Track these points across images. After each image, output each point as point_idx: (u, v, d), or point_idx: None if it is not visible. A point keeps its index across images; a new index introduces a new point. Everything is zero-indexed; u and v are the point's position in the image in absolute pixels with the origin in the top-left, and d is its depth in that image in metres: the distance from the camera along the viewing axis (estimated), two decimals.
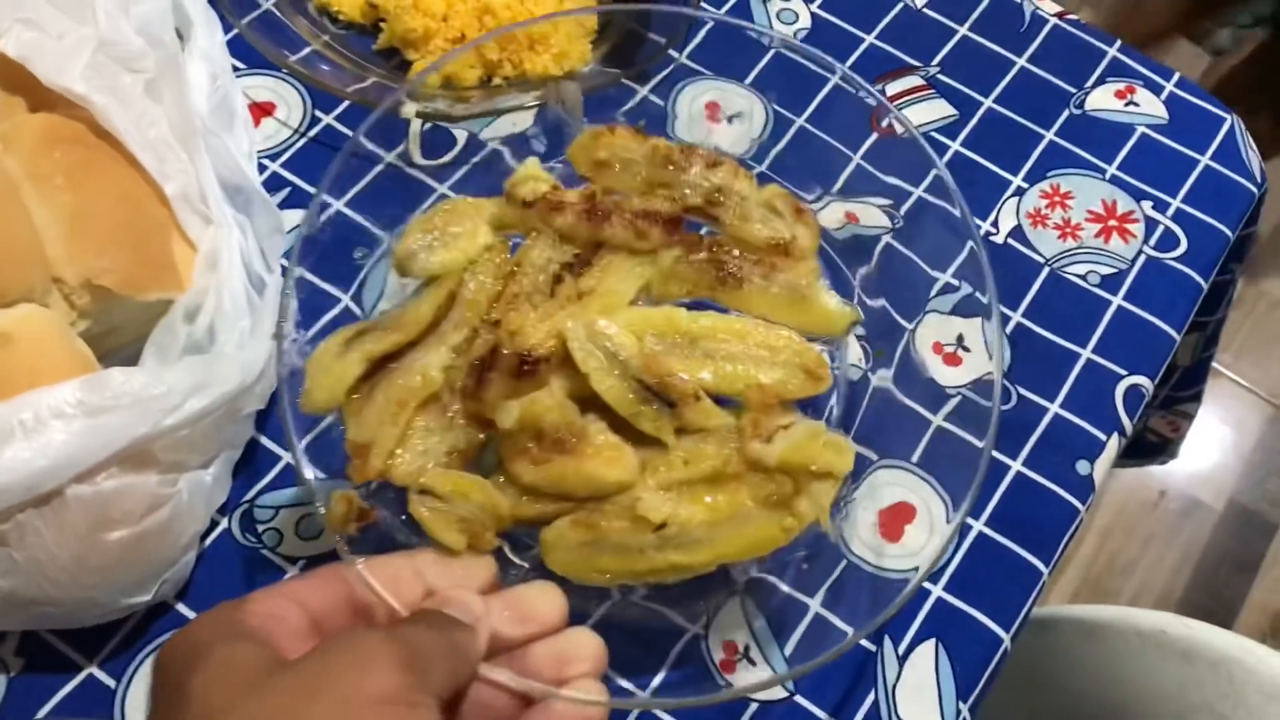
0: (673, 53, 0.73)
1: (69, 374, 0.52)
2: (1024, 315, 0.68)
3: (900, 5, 0.79)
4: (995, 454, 0.63)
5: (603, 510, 0.50)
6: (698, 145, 0.57)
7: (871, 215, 0.66)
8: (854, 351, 0.61)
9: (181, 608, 0.56)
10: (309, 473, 0.49)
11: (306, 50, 0.70)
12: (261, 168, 0.68)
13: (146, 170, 0.59)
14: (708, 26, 0.75)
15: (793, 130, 0.70)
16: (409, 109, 0.62)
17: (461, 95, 0.71)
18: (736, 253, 0.55)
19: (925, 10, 0.79)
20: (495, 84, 0.71)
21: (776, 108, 0.71)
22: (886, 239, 0.65)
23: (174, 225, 0.59)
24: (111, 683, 0.54)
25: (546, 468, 0.50)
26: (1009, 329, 0.67)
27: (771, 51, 0.73)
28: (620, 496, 0.50)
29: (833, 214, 0.65)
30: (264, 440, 0.60)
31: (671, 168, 0.56)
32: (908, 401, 0.60)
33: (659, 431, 0.51)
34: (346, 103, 0.70)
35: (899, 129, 0.63)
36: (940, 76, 0.76)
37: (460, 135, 0.68)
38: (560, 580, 0.49)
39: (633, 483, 0.50)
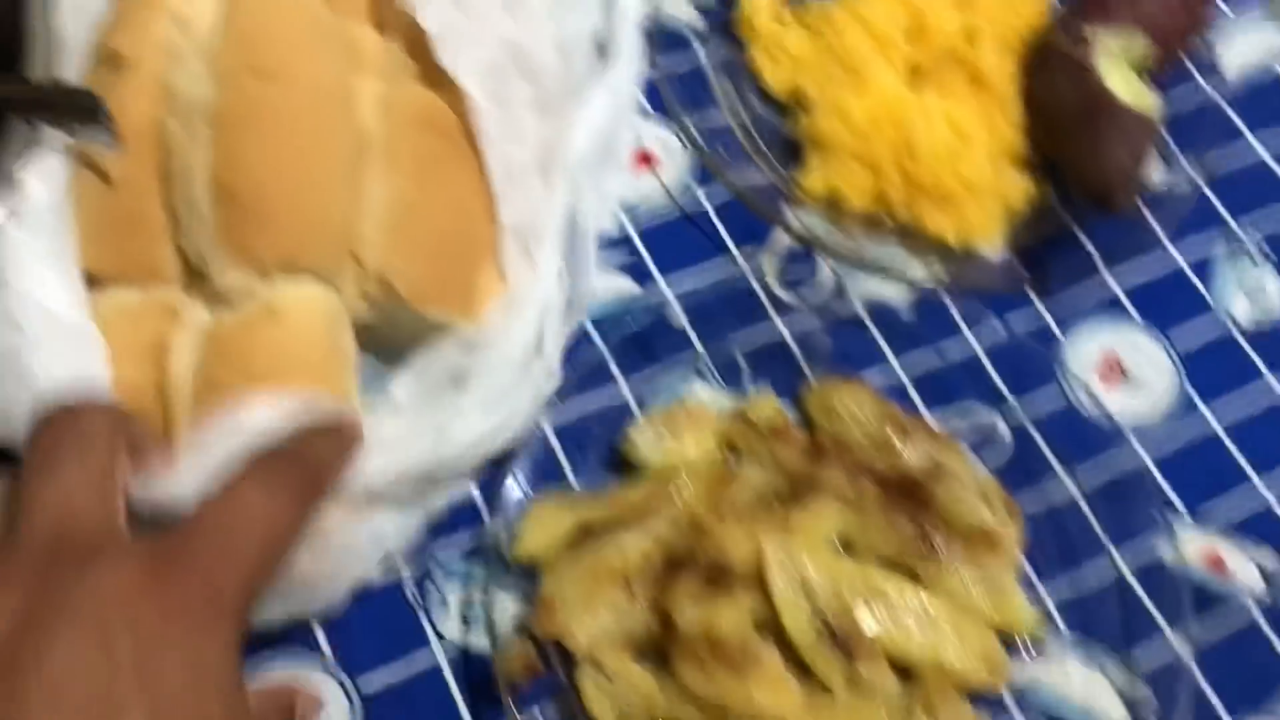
0: (1109, 278, 0.62)
1: (323, 370, 0.50)
2: None
3: None
4: None
5: None
6: (921, 419, 0.58)
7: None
8: None
9: (320, 636, 0.53)
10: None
11: (717, 116, 0.64)
12: None
13: (492, 188, 0.55)
14: (1157, 266, 0.63)
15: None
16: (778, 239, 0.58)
17: (840, 217, 0.63)
18: (940, 529, 0.54)
19: None
20: (882, 223, 0.63)
21: (1192, 391, 0.59)
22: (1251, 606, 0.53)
23: (493, 252, 0.55)
24: None
25: (713, 680, 0.49)
26: None
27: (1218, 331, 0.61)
28: None
29: (1193, 545, 0.55)
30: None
31: (896, 434, 0.56)
32: None
33: (829, 676, 0.50)
34: (727, 187, 0.64)
35: None
36: None
37: (827, 282, 0.61)
38: None
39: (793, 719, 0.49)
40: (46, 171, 0.49)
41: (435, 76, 0.55)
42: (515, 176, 0.55)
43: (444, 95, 0.55)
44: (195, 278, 0.51)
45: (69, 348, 0.47)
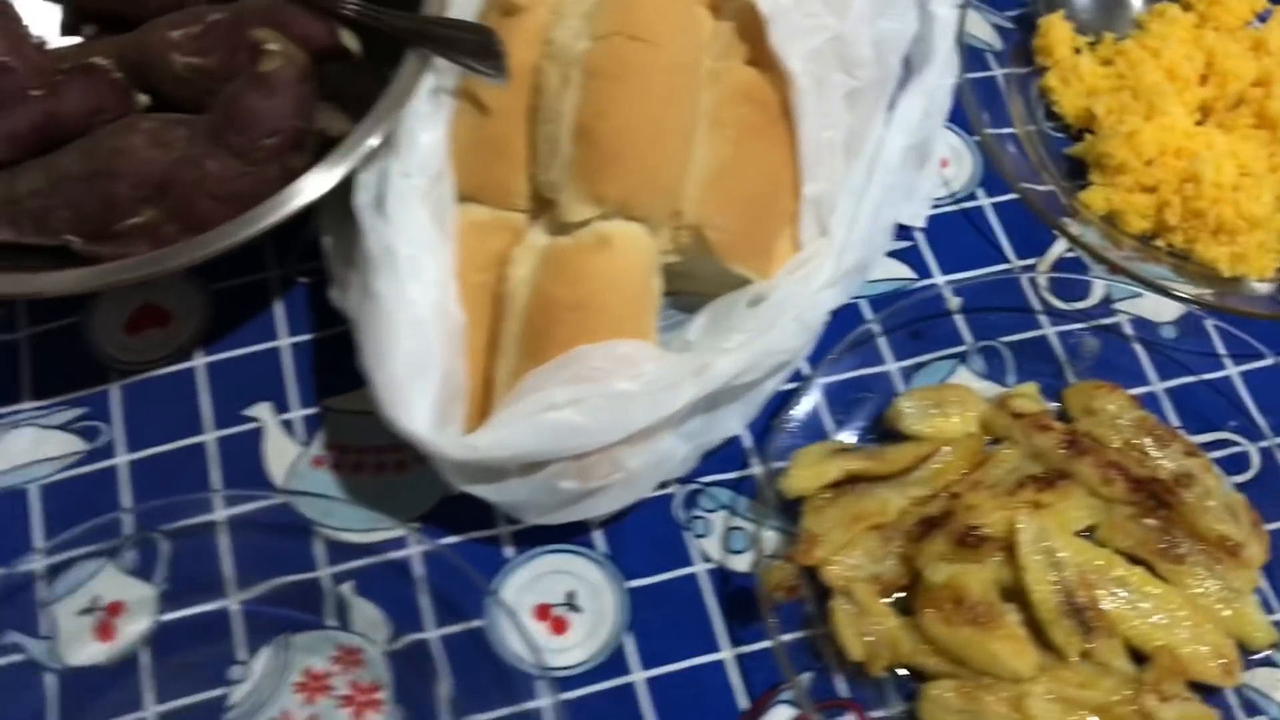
0: None
1: (632, 296, 0.57)
2: None
3: None
4: None
5: (990, 690, 0.53)
6: (1175, 430, 0.61)
7: None
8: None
9: (598, 535, 0.59)
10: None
11: (1008, 129, 0.69)
12: None
13: (801, 162, 0.61)
14: None
15: None
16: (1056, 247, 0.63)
17: (1116, 234, 0.67)
18: (1184, 533, 0.57)
19: None
20: (1155, 245, 0.66)
21: None
22: None
23: (792, 220, 0.61)
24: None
25: (957, 630, 0.54)
26: None
27: None
28: (1010, 685, 0.53)
29: None
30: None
31: (1150, 441, 0.60)
32: None
33: (1067, 645, 0.54)
34: (1010, 195, 0.68)
35: None
36: None
37: (1098, 288, 0.64)
38: None
39: (1028, 678, 0.53)
40: (433, 104, 0.57)
41: (760, 57, 0.62)
42: (822, 155, 0.61)
43: (765, 75, 0.62)
44: (539, 205, 0.58)
45: (428, 267, 0.55)
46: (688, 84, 0.57)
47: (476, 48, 0.55)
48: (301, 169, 0.57)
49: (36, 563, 0.55)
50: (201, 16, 0.62)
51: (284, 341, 0.63)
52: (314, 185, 0.54)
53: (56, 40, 0.67)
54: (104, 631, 0.55)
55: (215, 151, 0.57)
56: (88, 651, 0.54)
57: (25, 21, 0.64)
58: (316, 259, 0.62)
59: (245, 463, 0.60)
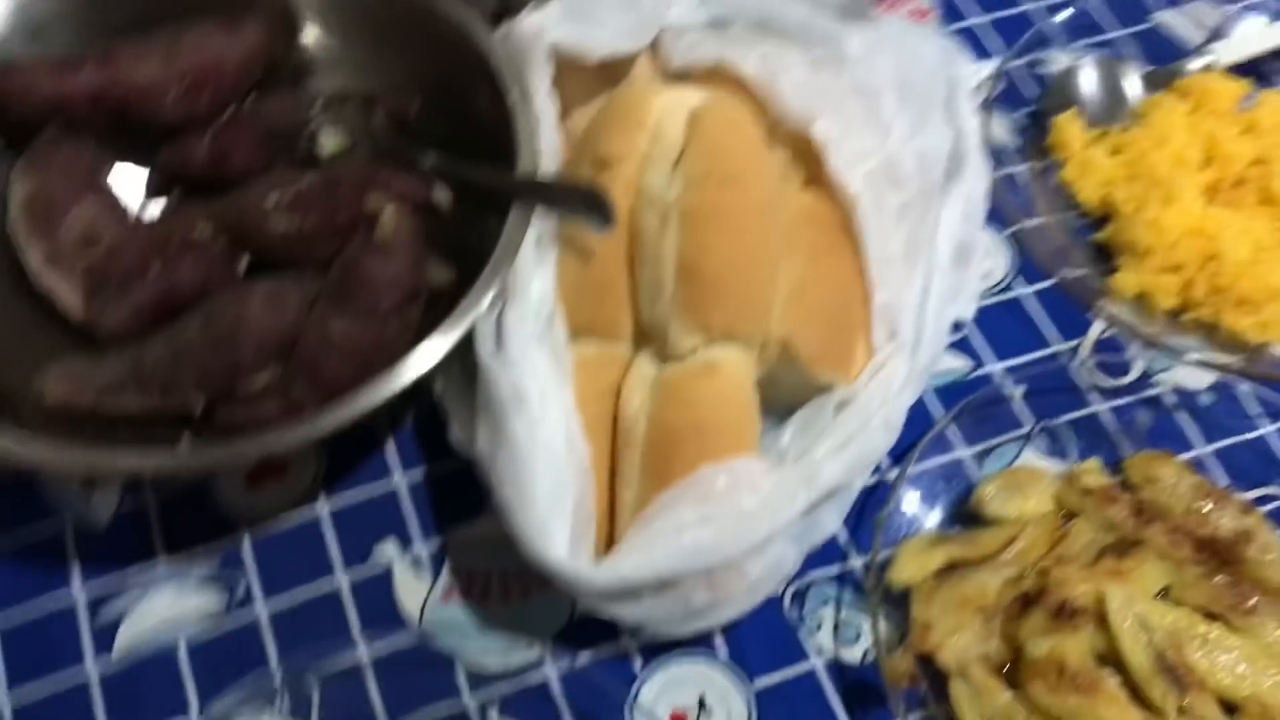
0: None
1: (742, 415, 0.61)
2: None
3: None
4: None
5: None
6: (1226, 490, 0.66)
7: None
8: None
9: (719, 641, 0.63)
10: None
11: (1036, 221, 0.75)
12: None
13: (868, 273, 0.66)
14: None
15: None
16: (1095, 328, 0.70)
17: (1148, 311, 0.73)
18: (1251, 586, 0.62)
19: None
20: (1185, 319, 0.73)
21: None
22: None
23: (865, 326, 0.66)
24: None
25: (1064, 699, 0.58)
26: None
27: None
28: None
29: None
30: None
31: (1209, 502, 0.65)
32: None
33: (1164, 703, 0.58)
34: (1047, 282, 0.74)
35: None
36: None
37: (1138, 363, 0.70)
38: None
39: None
40: (538, 252, 0.62)
41: (819, 175, 0.67)
42: (886, 266, 0.66)
43: (822, 196, 0.67)
44: (642, 338, 0.63)
45: (554, 404, 0.59)
46: (773, 216, 0.63)
47: (585, 201, 0.59)
48: (416, 319, 0.62)
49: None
50: (294, 181, 0.66)
51: (399, 479, 0.67)
52: (440, 344, 0.58)
53: (141, 201, 0.70)
54: None
55: (339, 313, 0.60)
56: None
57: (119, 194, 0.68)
58: (417, 397, 0.66)
59: (379, 601, 0.63)
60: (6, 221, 0.65)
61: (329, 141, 0.68)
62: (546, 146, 0.65)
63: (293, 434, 0.57)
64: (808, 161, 0.68)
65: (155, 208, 0.70)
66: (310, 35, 0.72)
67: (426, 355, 0.58)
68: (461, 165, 0.66)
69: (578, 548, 0.58)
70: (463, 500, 0.65)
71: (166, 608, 0.62)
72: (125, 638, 0.62)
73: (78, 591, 0.63)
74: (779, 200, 0.64)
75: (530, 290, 0.61)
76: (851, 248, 0.66)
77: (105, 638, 0.62)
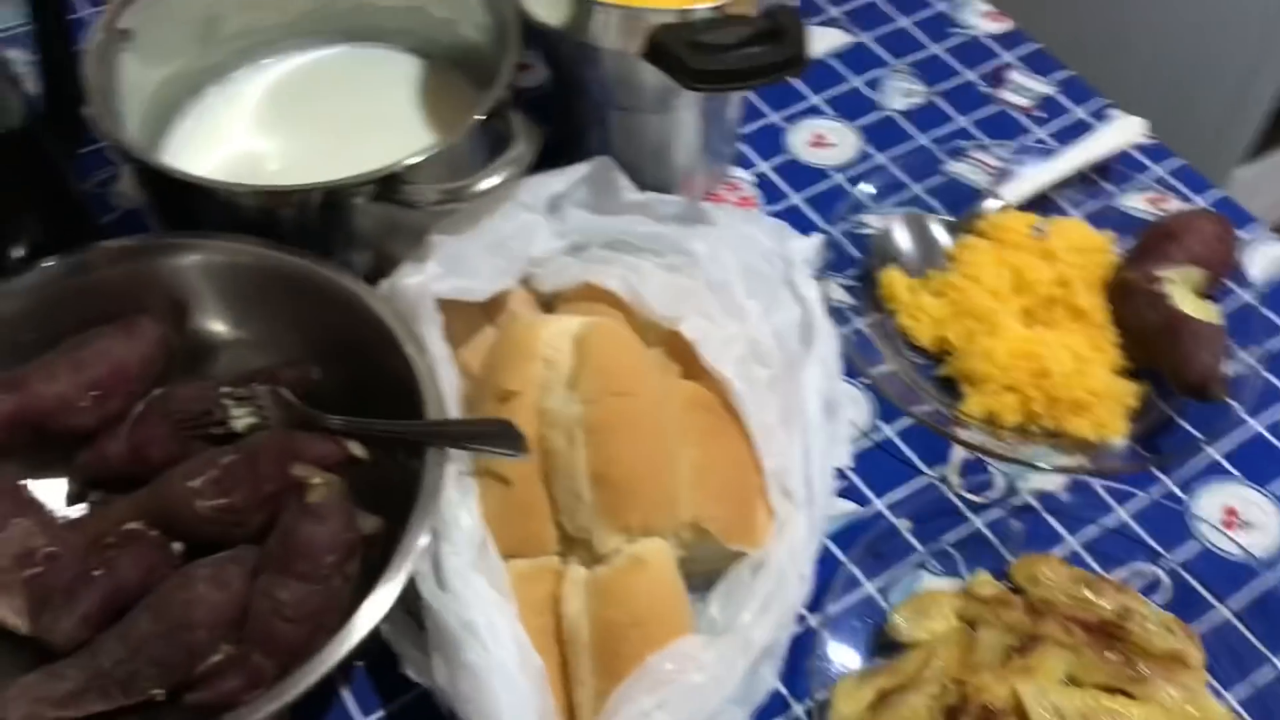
0: (1211, 450, 0.81)
1: (673, 600, 0.67)
2: None
3: None
4: None
5: None
6: (1102, 576, 0.75)
7: None
8: None
9: None
10: None
11: (884, 368, 0.84)
12: None
13: (755, 444, 0.73)
14: (1242, 434, 0.82)
15: None
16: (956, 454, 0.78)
17: (998, 430, 0.82)
18: (1141, 658, 0.70)
19: None
20: (1031, 431, 0.82)
21: None
22: None
23: (762, 492, 0.73)
24: None
25: None
26: None
27: None
28: None
29: None
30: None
31: (1087, 589, 0.73)
32: None
33: None
34: (906, 420, 0.83)
35: None
36: None
37: (999, 481, 0.79)
38: None
39: None
40: (460, 487, 0.67)
41: (695, 369, 0.75)
42: (768, 434, 0.74)
43: (701, 383, 0.75)
44: (568, 545, 0.68)
45: (501, 627, 0.64)
46: (665, 415, 0.70)
47: (497, 435, 0.65)
48: (356, 572, 0.66)
49: None
50: (215, 461, 0.70)
51: None
52: (387, 593, 0.62)
53: (63, 510, 0.73)
54: None
55: (284, 580, 0.64)
56: None
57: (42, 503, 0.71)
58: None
59: None
60: None
61: (240, 420, 0.72)
62: (448, 389, 0.71)
63: (266, 705, 0.60)
64: (681, 353, 0.75)
65: (77, 514, 0.73)
66: (206, 322, 0.77)
67: (375, 607, 0.62)
68: (371, 422, 0.71)
69: None
70: None
71: None
72: None
73: None
74: (666, 397, 0.71)
75: (460, 523, 0.66)
76: (735, 424, 0.74)
77: None
